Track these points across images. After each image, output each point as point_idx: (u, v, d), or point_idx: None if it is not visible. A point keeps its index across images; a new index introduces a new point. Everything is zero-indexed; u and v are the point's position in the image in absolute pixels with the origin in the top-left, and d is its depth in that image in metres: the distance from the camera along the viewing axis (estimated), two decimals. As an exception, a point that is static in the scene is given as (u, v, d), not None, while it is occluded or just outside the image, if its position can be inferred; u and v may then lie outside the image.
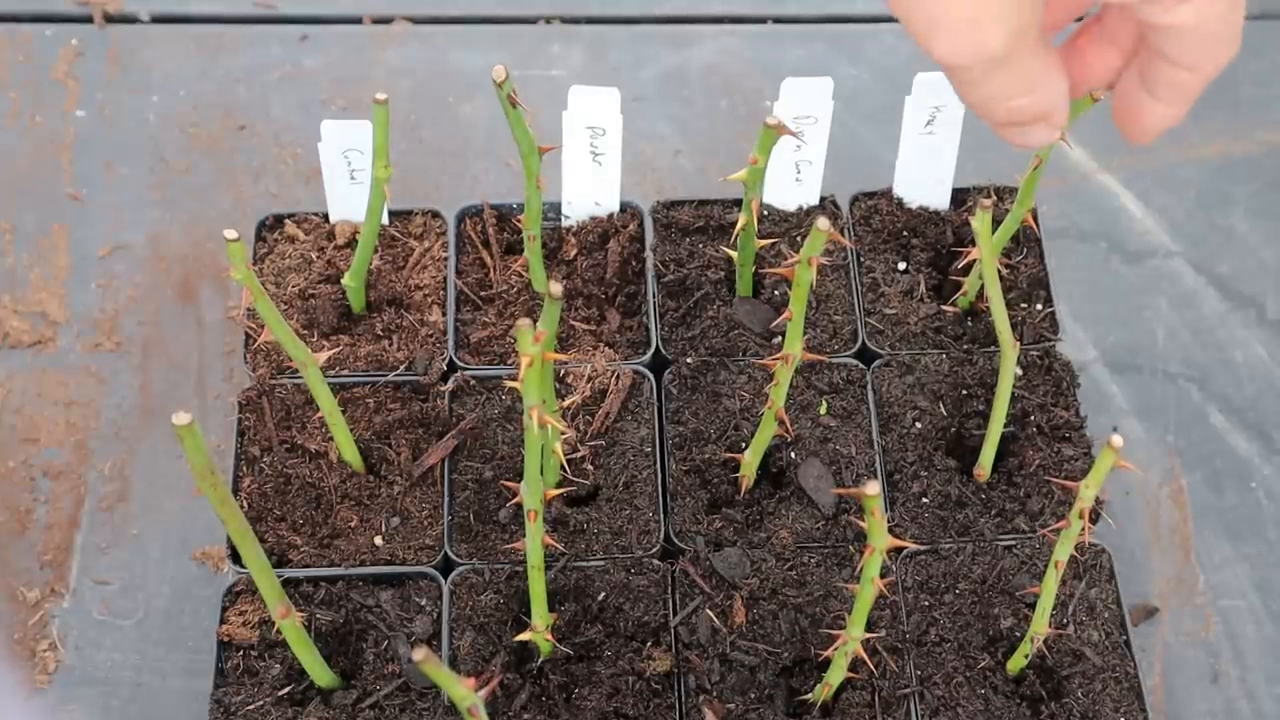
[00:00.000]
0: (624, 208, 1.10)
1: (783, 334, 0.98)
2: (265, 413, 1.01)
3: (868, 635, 0.83)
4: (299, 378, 1.00)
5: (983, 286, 1.06)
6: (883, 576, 0.77)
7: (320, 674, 0.90)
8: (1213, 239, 1.24)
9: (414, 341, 1.04)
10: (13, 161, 1.25)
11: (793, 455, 1.00)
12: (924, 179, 1.10)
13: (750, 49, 1.33)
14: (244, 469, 0.99)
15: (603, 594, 0.95)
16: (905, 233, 1.11)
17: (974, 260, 1.06)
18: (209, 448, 0.79)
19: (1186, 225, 1.25)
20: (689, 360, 1.04)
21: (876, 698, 0.92)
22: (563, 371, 1.03)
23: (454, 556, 0.96)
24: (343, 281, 1.04)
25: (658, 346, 1.04)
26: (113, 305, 1.17)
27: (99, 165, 1.24)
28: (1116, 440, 0.74)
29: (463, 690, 0.67)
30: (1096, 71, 0.63)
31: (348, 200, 1.07)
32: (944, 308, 1.07)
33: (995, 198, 1.11)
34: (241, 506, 0.97)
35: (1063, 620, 0.95)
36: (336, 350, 1.02)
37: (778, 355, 0.88)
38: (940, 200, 1.11)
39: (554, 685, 0.92)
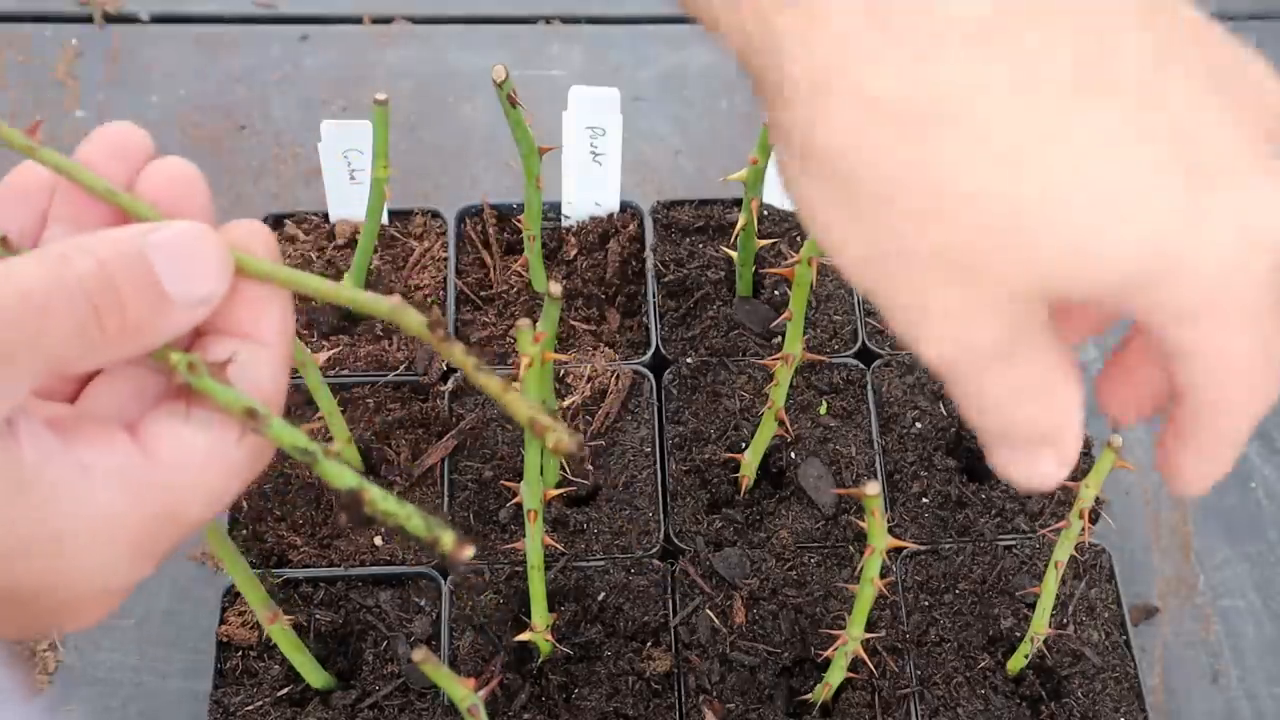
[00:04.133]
0: (624, 208, 1.10)
1: (783, 334, 0.98)
2: (265, 413, 1.01)
3: (868, 635, 0.83)
4: (299, 378, 0.99)
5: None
6: (883, 576, 0.77)
7: (314, 676, 0.90)
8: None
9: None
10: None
11: (793, 455, 1.00)
12: (924, 179, 1.10)
13: (750, 49, 1.33)
14: (244, 469, 0.99)
15: (603, 594, 0.95)
16: (905, 233, 1.11)
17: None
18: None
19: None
20: (689, 360, 1.04)
21: (876, 698, 0.92)
22: (563, 371, 1.03)
23: (454, 556, 0.96)
24: (342, 281, 1.04)
25: (658, 346, 1.04)
26: (113, 305, 1.17)
27: (99, 165, 1.24)
28: (1116, 440, 0.74)
29: (462, 690, 0.68)
30: (1151, 392, 0.48)
31: (348, 200, 1.07)
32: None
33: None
34: (241, 506, 0.97)
35: (1063, 620, 0.95)
36: (336, 350, 1.02)
37: (778, 355, 0.88)
38: (940, 200, 1.11)
39: (554, 685, 0.92)
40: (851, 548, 0.97)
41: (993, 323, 0.42)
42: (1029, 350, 0.43)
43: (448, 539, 0.43)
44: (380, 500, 0.44)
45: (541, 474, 0.79)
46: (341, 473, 0.44)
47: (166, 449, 0.45)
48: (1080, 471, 1.00)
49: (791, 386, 0.96)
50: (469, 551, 0.43)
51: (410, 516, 0.44)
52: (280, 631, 0.84)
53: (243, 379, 0.46)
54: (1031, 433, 0.46)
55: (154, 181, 0.49)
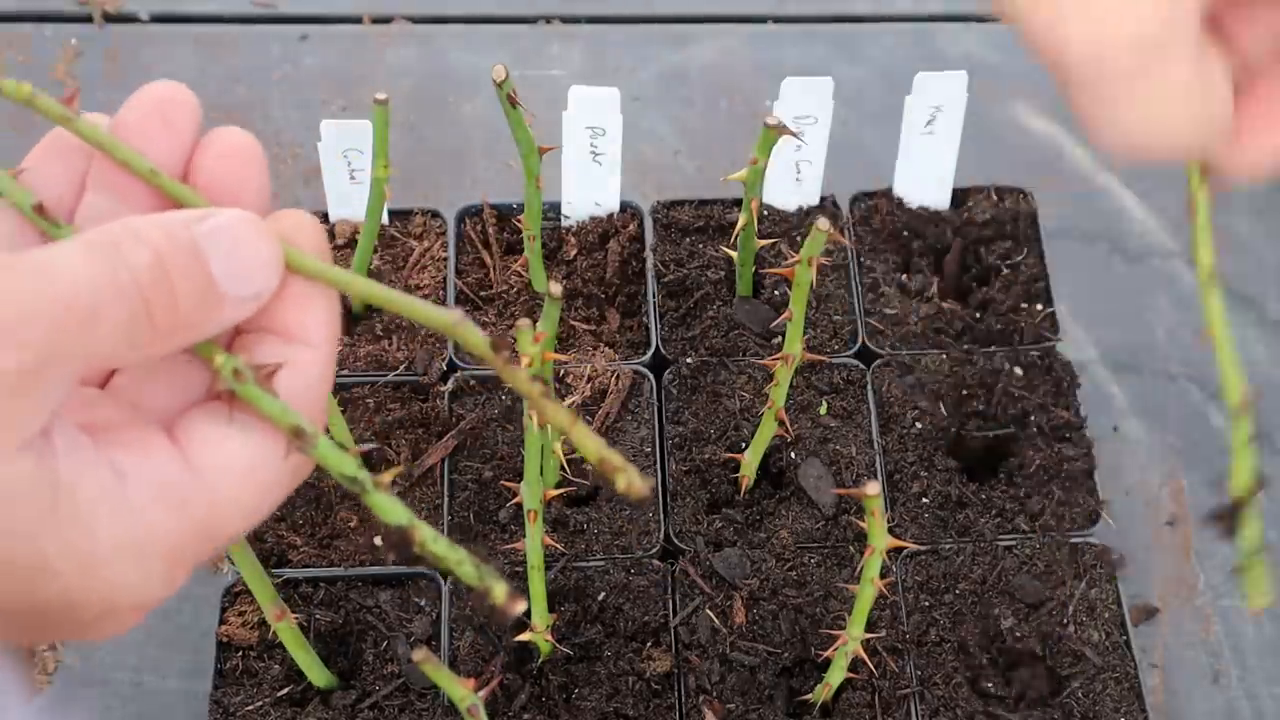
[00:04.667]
0: (624, 208, 1.10)
1: (783, 334, 0.98)
2: (265, 413, 1.01)
3: (868, 635, 0.83)
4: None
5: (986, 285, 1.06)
6: (883, 576, 0.77)
7: (318, 675, 0.90)
8: (1213, 239, 1.24)
9: (414, 341, 1.04)
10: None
11: (793, 455, 1.00)
12: (924, 179, 1.10)
13: (750, 49, 1.33)
14: (244, 469, 0.99)
15: (603, 594, 0.95)
16: (905, 233, 1.11)
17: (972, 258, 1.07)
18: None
19: (1186, 225, 1.25)
20: (689, 360, 1.04)
21: (876, 698, 0.92)
22: (563, 371, 1.03)
23: (454, 556, 0.96)
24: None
25: (658, 346, 1.04)
26: (113, 305, 1.17)
27: (99, 165, 1.24)
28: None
29: (462, 690, 0.68)
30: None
31: (348, 200, 1.07)
32: (944, 306, 1.07)
33: (996, 196, 1.11)
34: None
35: (1063, 620, 0.95)
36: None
37: (778, 355, 0.88)
38: (940, 200, 1.11)
39: (554, 685, 0.92)
40: (851, 548, 0.97)
41: (1149, 11, 0.42)
42: (1181, 46, 0.44)
43: (500, 590, 0.41)
44: (431, 541, 0.41)
45: (541, 474, 0.79)
46: (392, 507, 0.42)
47: (208, 457, 0.43)
48: (1081, 472, 1.00)
49: (791, 386, 0.96)
50: (520, 606, 0.41)
51: (461, 562, 0.42)
52: (286, 629, 0.84)
53: (287, 384, 0.43)
54: (1175, 147, 0.47)
55: (212, 153, 0.46)
